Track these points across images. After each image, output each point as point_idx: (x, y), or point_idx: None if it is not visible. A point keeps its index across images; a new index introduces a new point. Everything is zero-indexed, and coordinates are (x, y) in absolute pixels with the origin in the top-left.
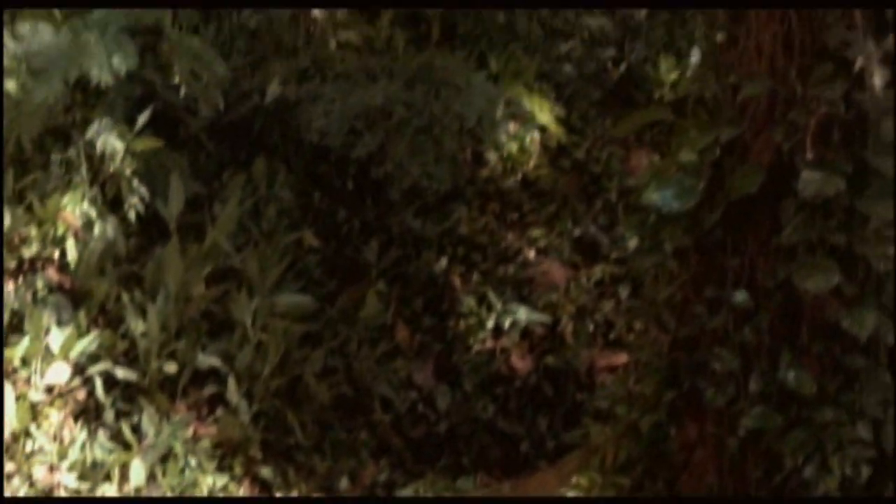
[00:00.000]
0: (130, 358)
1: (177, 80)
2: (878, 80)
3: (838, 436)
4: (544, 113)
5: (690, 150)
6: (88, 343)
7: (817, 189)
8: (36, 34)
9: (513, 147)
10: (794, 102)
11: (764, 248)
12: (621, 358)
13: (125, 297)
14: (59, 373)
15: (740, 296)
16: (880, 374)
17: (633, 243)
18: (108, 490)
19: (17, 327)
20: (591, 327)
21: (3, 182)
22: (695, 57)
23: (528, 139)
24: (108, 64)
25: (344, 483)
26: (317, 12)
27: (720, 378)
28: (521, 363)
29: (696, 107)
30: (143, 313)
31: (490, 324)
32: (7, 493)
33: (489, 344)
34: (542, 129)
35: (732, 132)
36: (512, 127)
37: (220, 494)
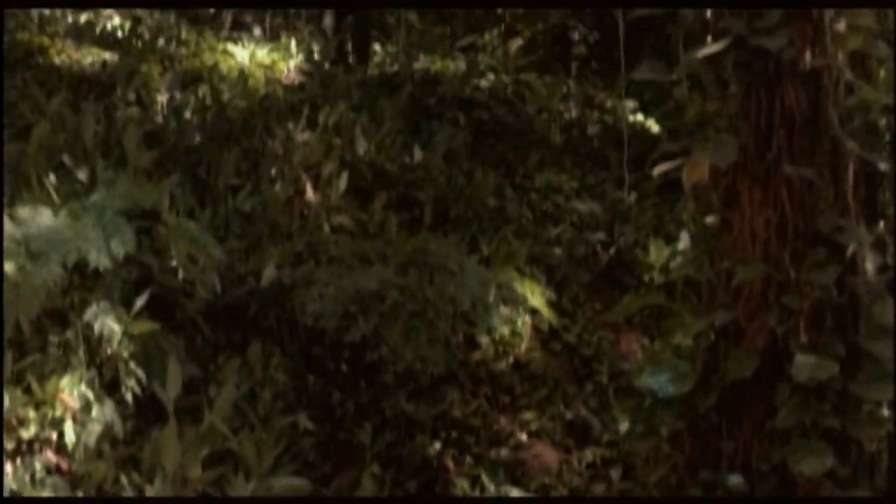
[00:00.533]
0: None
1: (174, 263)
2: (870, 265)
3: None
4: (536, 296)
5: (685, 335)
6: None
7: (811, 373)
8: (35, 217)
9: (505, 330)
10: (788, 287)
11: (758, 432)
12: None
13: (123, 480)
14: None
15: (735, 479)
16: None
17: (624, 426)
18: None
19: None
20: None
21: None
22: (684, 241)
23: (519, 322)
24: (107, 247)
25: None
26: (311, 196)
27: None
28: None
29: (686, 290)
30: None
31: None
32: None
33: None
34: (534, 312)
35: (727, 317)
36: (504, 310)
37: None
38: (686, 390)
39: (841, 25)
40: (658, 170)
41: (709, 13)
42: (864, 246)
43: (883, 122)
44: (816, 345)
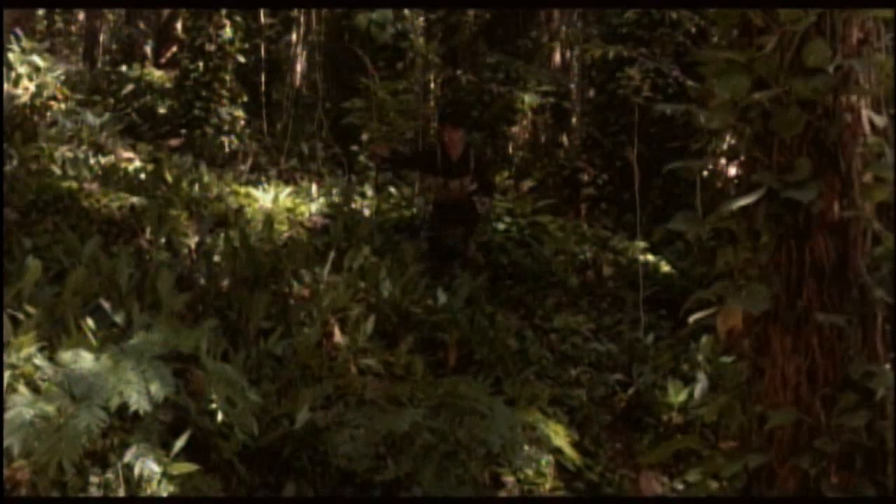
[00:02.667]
0: None
1: (212, 406)
2: None
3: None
4: (559, 437)
5: (720, 476)
6: None
7: None
8: (76, 361)
9: (529, 471)
10: (819, 431)
11: None
12: None
13: None
14: None
15: None
16: None
17: None
18: None
19: None
20: None
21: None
22: (702, 383)
23: (543, 462)
24: (147, 391)
25: None
26: (339, 339)
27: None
28: None
29: (703, 430)
30: None
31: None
32: None
33: None
34: (557, 452)
35: (760, 459)
36: (528, 450)
37: None
38: None
39: (868, 177)
40: (693, 318)
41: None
42: (892, 390)
43: None
44: (847, 486)
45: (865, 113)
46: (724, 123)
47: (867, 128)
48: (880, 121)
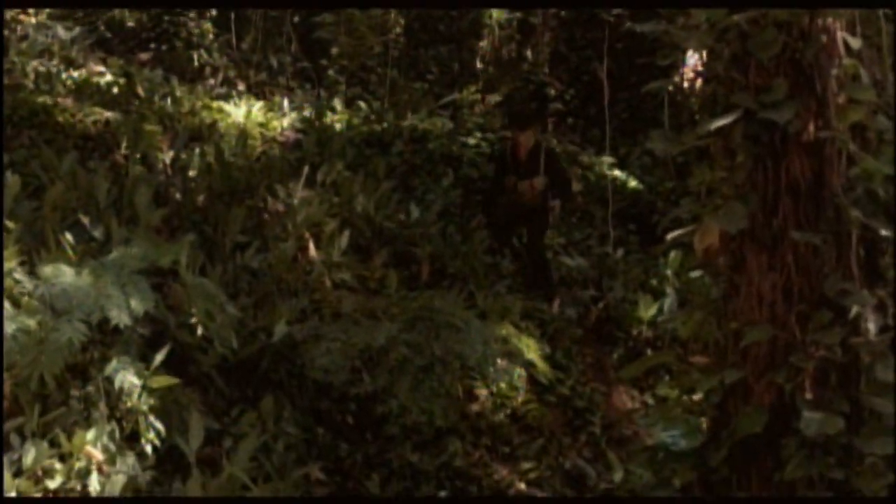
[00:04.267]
0: None
1: (191, 320)
2: (872, 325)
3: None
4: (531, 350)
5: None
6: None
7: (819, 428)
8: (58, 276)
9: (503, 384)
10: (794, 347)
11: (767, 484)
12: None
13: None
14: None
15: None
16: None
17: (619, 476)
18: None
19: None
20: None
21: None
22: (671, 298)
23: (516, 375)
24: (127, 306)
25: None
26: (314, 254)
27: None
28: None
29: (672, 345)
30: None
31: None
32: None
33: None
34: (530, 366)
35: (736, 375)
36: (501, 364)
37: None
38: (697, 444)
39: (843, 98)
40: (670, 236)
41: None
42: (866, 308)
43: (883, 190)
44: (822, 402)
45: (841, 35)
46: (701, 44)
47: (842, 49)
48: (855, 42)
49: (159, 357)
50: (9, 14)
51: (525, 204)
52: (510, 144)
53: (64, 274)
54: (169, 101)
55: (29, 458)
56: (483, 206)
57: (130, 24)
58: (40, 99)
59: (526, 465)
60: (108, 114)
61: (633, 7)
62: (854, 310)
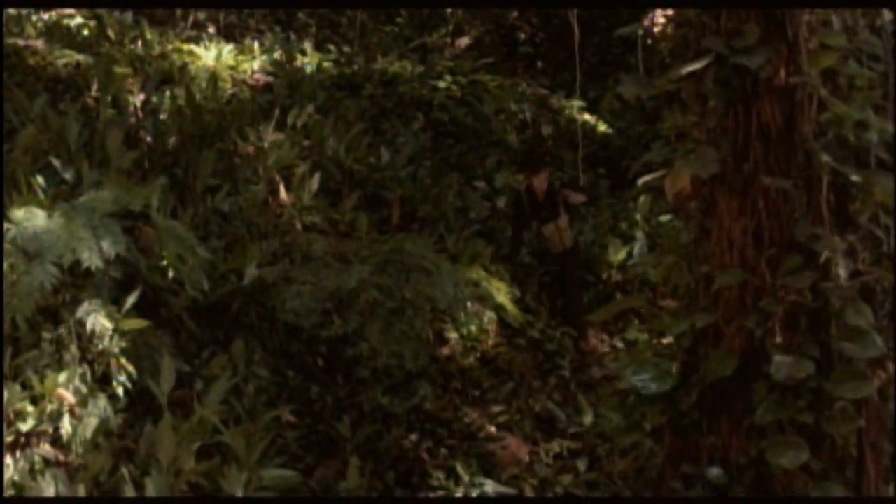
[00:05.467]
0: None
1: (162, 262)
2: (842, 270)
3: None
4: (501, 294)
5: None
6: None
7: (789, 372)
8: (29, 219)
9: (473, 327)
10: (765, 292)
11: (737, 428)
12: None
13: (123, 471)
14: None
15: (715, 472)
16: None
17: (588, 419)
18: None
19: None
20: None
21: None
22: (640, 242)
23: (486, 319)
24: (98, 248)
25: None
26: (284, 196)
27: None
28: None
29: (642, 288)
30: (137, 486)
31: (458, 496)
32: None
33: None
34: (500, 309)
35: (707, 319)
36: (472, 307)
37: None
38: (668, 388)
39: (814, 44)
40: (642, 181)
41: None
42: (836, 253)
43: (853, 136)
44: (792, 346)
45: None
46: None
47: None
48: None
49: (131, 300)
50: None
51: (554, 247)
52: (525, 191)
53: (35, 217)
54: (139, 43)
55: None
56: (509, 256)
57: None
58: (10, 41)
59: (496, 409)
60: (79, 56)
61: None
62: (824, 255)
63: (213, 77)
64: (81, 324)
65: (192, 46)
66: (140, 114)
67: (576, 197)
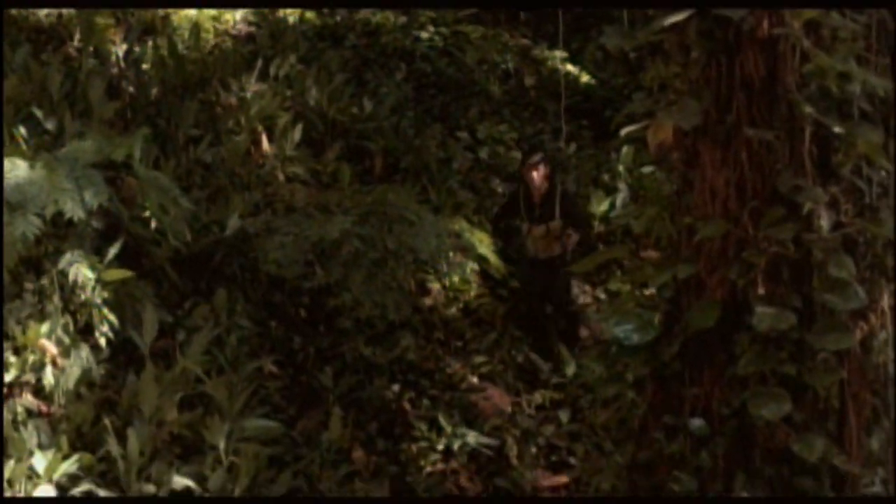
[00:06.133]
0: (109, 479)
1: (144, 213)
2: (825, 222)
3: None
4: (483, 245)
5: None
6: (70, 465)
7: (771, 323)
8: (12, 170)
9: (455, 278)
10: (747, 243)
11: (719, 378)
12: (563, 479)
13: (106, 422)
14: (45, 494)
15: (697, 423)
16: (827, 495)
17: (571, 370)
18: None
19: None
20: (534, 450)
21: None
22: (623, 192)
23: (468, 269)
24: (81, 198)
25: None
26: (267, 147)
27: (678, 499)
28: (470, 484)
29: (624, 239)
30: (119, 437)
31: (441, 446)
32: None
33: (440, 466)
34: (482, 260)
35: (689, 270)
36: (454, 258)
37: None
38: (650, 339)
39: None
40: (624, 131)
41: None
42: (819, 204)
43: (836, 87)
44: (774, 297)
45: None
46: None
47: None
48: None
49: (113, 250)
50: None
51: (542, 252)
52: (522, 188)
53: (18, 167)
54: None
55: None
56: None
57: None
58: None
59: (478, 359)
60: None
61: None
62: (807, 206)
63: (196, 27)
64: (64, 274)
65: None
66: (122, 64)
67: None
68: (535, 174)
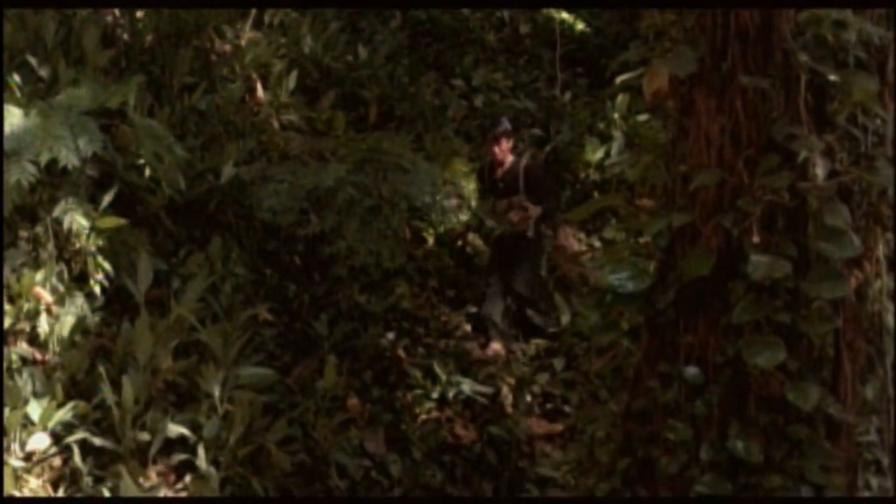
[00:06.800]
0: (104, 427)
1: (139, 161)
2: (820, 170)
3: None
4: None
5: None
6: (65, 413)
7: (766, 272)
8: (7, 117)
9: (450, 225)
10: (742, 191)
11: (714, 327)
12: (558, 427)
13: (100, 370)
14: (39, 442)
15: (692, 371)
16: (822, 443)
17: (565, 319)
18: None
19: None
20: (528, 398)
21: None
22: (618, 140)
23: (463, 217)
24: (75, 146)
25: None
26: (261, 95)
27: (673, 447)
28: (465, 432)
29: (619, 187)
30: (114, 385)
31: (435, 395)
32: None
33: (434, 414)
34: (477, 209)
35: (684, 219)
36: (449, 206)
37: None
38: (645, 287)
39: None
40: (619, 79)
41: None
42: (814, 153)
43: (831, 35)
44: (769, 245)
45: None
46: None
47: None
48: None
49: (107, 198)
50: None
51: (506, 228)
52: (487, 162)
53: (12, 115)
54: None
55: None
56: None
57: None
58: None
59: (473, 308)
60: None
61: None
62: (802, 154)
63: None
64: (58, 222)
65: None
66: (116, 12)
67: (547, 235)
68: (496, 149)
